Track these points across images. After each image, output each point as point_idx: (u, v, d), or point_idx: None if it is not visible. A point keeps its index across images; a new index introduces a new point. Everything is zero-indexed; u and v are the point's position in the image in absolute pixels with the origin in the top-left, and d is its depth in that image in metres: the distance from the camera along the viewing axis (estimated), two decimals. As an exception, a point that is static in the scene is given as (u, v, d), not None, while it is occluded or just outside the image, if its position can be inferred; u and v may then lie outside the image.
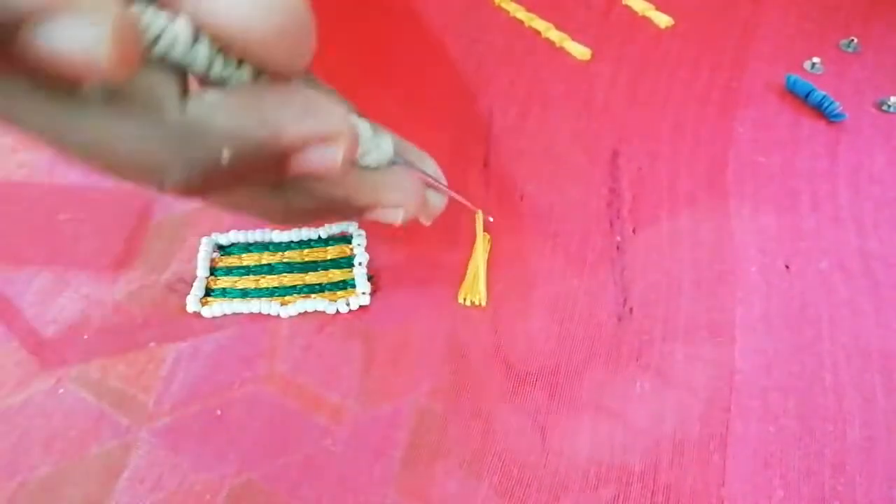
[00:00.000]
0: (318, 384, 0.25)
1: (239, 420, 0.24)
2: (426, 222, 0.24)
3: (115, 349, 0.26)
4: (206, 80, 0.17)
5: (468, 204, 0.26)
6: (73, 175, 0.31)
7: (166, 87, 0.16)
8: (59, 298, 0.27)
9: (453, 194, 0.24)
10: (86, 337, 0.26)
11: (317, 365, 0.26)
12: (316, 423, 0.25)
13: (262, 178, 0.19)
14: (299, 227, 0.23)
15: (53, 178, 0.31)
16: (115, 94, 0.16)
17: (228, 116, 0.17)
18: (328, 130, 0.18)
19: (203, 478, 0.23)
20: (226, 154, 0.17)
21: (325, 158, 0.19)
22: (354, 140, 0.19)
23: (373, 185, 0.21)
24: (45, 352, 0.26)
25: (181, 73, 0.17)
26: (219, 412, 0.25)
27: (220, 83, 0.17)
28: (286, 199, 0.20)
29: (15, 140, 0.33)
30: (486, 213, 0.27)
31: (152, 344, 0.26)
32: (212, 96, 0.17)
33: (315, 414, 0.25)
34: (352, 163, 0.20)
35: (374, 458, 0.24)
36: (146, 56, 0.16)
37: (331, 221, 0.21)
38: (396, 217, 0.22)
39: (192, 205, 0.30)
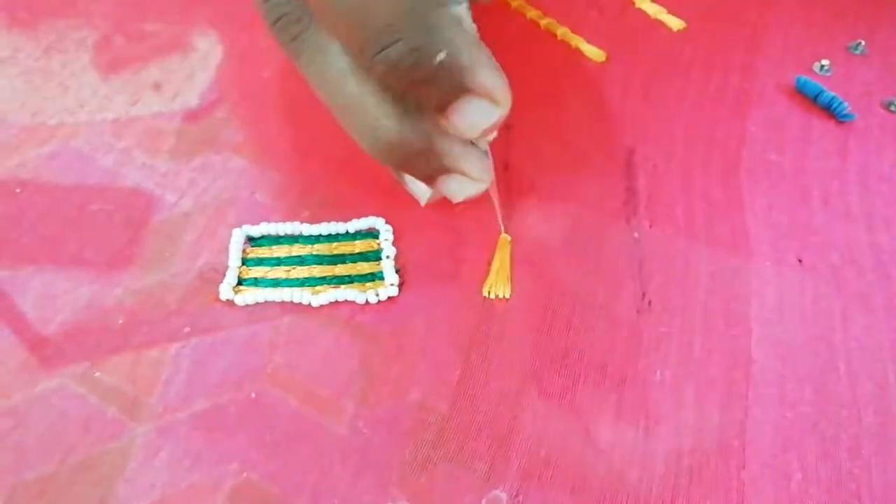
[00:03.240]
0: (337, 379, 0.26)
1: (243, 419, 0.25)
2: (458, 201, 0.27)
3: (117, 348, 0.26)
4: None
5: (499, 217, 0.29)
6: (75, 175, 0.32)
7: None
8: (63, 296, 0.28)
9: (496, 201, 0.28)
10: (120, 321, 0.27)
11: (338, 358, 0.27)
12: (325, 419, 0.25)
13: (435, 92, 0.23)
14: (378, 157, 0.26)
15: (55, 178, 0.32)
16: None
17: (455, 31, 0.22)
18: (500, 96, 0.23)
19: (204, 477, 0.24)
20: (440, 56, 0.22)
21: (481, 113, 0.23)
22: (504, 115, 0.23)
23: (463, 155, 0.25)
24: (46, 351, 0.26)
25: None
26: (254, 395, 0.25)
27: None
28: (399, 127, 0.24)
29: (15, 138, 0.33)
30: (506, 218, 0.30)
31: (187, 329, 0.27)
32: (453, 14, 0.23)
33: (327, 410, 0.25)
34: (492, 131, 0.24)
35: (390, 450, 0.25)
36: None
37: (408, 170, 0.26)
38: (460, 192, 0.26)
39: (189, 203, 0.31)
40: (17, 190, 0.31)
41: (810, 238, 0.30)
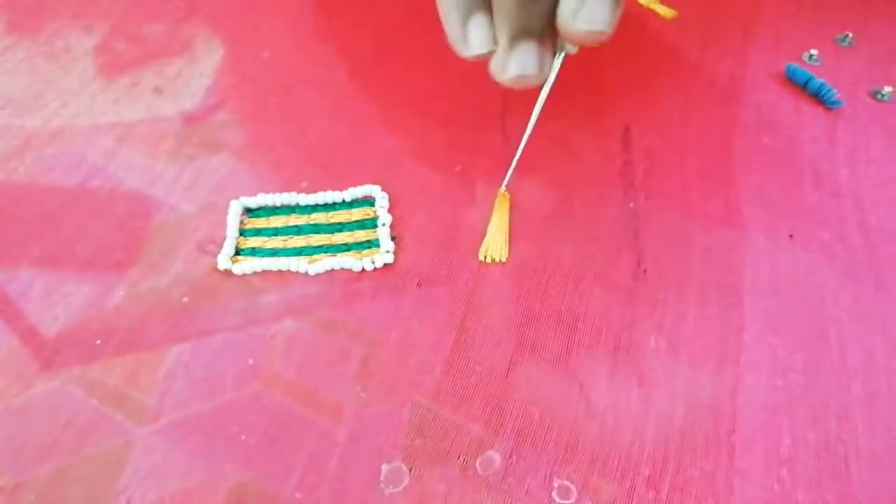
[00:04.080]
0: (335, 346, 0.26)
1: (240, 418, 0.25)
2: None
3: (117, 350, 0.26)
4: None
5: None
6: (76, 176, 0.32)
7: None
8: (64, 297, 0.28)
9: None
10: (120, 323, 0.27)
11: (335, 326, 0.27)
12: (324, 385, 0.25)
13: None
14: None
15: (57, 180, 0.32)
16: None
17: None
18: None
19: (203, 477, 0.24)
20: None
21: None
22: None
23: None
24: (47, 352, 0.26)
25: None
26: (251, 361, 0.25)
27: None
28: None
29: (16, 140, 0.33)
30: (502, 182, 0.30)
31: (185, 299, 0.27)
32: None
33: (325, 377, 0.26)
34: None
35: (387, 414, 0.25)
36: None
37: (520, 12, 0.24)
38: (527, 68, 0.25)
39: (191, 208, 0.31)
40: (18, 190, 0.31)
41: (801, 215, 0.31)
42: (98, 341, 0.26)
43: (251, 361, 0.26)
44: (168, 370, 0.26)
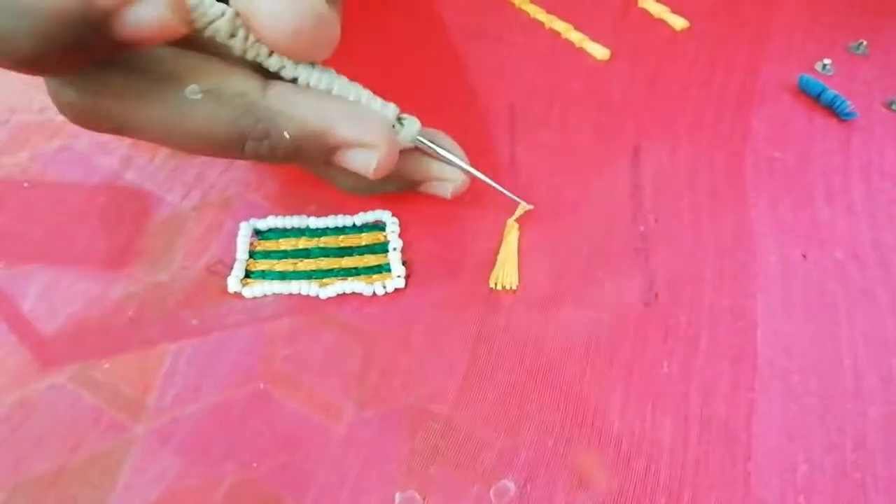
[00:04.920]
0: (345, 371, 0.26)
1: (241, 418, 0.25)
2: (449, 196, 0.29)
3: (117, 348, 0.26)
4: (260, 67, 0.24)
5: (503, 190, 0.29)
6: (77, 173, 0.32)
7: (251, 81, 0.23)
8: (64, 295, 0.28)
9: (491, 182, 0.29)
10: (121, 320, 0.27)
11: (345, 350, 0.27)
12: (333, 411, 0.25)
13: (314, 158, 0.25)
14: (366, 194, 0.29)
15: (58, 176, 0.32)
16: (213, 90, 0.22)
17: (294, 105, 0.23)
18: (369, 140, 0.24)
19: (203, 477, 0.24)
20: (287, 135, 0.23)
21: (361, 161, 0.24)
22: (391, 153, 0.25)
23: (421, 164, 0.28)
24: (46, 351, 0.26)
25: (261, 70, 0.23)
26: (262, 385, 0.25)
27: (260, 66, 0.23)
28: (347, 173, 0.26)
29: (18, 137, 0.33)
30: (517, 206, 0.30)
31: (195, 321, 0.27)
32: (284, 88, 0.23)
33: (334, 402, 0.26)
34: (386, 169, 0.25)
35: (399, 441, 0.25)
36: (199, 32, 0.22)
37: (390, 190, 0.29)
38: (444, 192, 0.29)
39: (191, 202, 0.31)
40: (25, 184, 0.31)
41: (814, 234, 0.30)
42: (98, 340, 0.27)
43: (262, 386, 0.26)
44: (168, 369, 0.26)
